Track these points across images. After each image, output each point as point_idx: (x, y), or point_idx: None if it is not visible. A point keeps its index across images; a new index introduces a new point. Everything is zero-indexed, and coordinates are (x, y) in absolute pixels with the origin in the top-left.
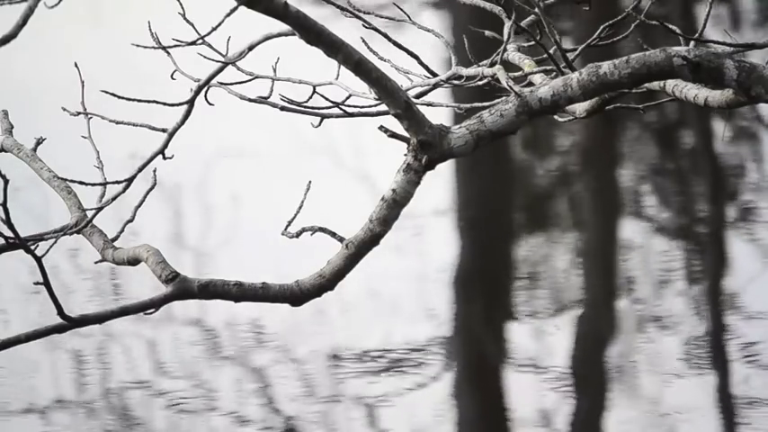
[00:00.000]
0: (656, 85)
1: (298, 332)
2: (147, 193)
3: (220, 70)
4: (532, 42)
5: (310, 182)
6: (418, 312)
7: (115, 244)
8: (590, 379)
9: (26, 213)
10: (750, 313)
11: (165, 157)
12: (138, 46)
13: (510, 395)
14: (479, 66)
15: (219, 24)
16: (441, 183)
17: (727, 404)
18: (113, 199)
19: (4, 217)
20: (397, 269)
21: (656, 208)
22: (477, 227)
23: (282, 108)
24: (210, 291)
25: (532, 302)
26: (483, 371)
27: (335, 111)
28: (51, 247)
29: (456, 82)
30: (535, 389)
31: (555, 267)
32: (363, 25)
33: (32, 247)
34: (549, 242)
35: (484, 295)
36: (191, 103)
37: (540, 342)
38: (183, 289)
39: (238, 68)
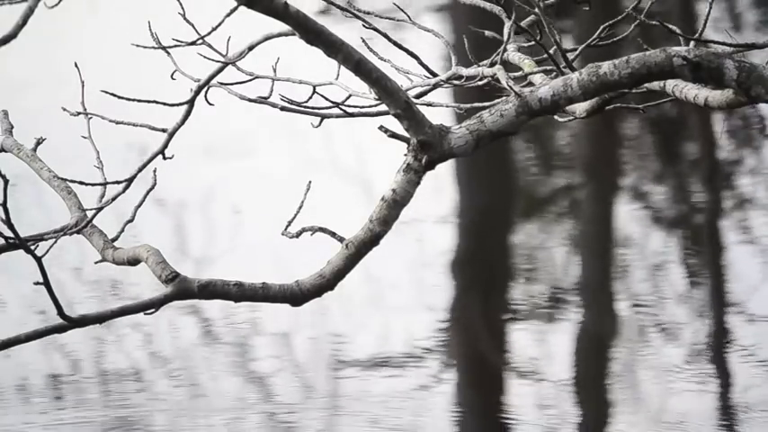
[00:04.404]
0: (656, 85)
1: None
2: (148, 192)
3: (220, 70)
4: (532, 42)
5: (310, 182)
6: (417, 308)
7: (115, 244)
8: (590, 378)
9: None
10: (752, 312)
11: (165, 158)
12: (138, 46)
13: (510, 394)
14: (479, 66)
15: (219, 24)
16: (440, 182)
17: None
18: (113, 199)
19: (3, 217)
20: (396, 264)
21: (654, 200)
22: (476, 221)
23: (282, 108)
24: (210, 291)
25: (531, 297)
26: (483, 369)
27: (335, 111)
28: (51, 246)
29: (456, 82)
30: (535, 388)
31: (553, 260)
32: (363, 25)
33: (32, 248)
34: (546, 234)
35: (482, 289)
36: (191, 103)
37: (539, 339)
38: (182, 289)
39: (238, 68)
